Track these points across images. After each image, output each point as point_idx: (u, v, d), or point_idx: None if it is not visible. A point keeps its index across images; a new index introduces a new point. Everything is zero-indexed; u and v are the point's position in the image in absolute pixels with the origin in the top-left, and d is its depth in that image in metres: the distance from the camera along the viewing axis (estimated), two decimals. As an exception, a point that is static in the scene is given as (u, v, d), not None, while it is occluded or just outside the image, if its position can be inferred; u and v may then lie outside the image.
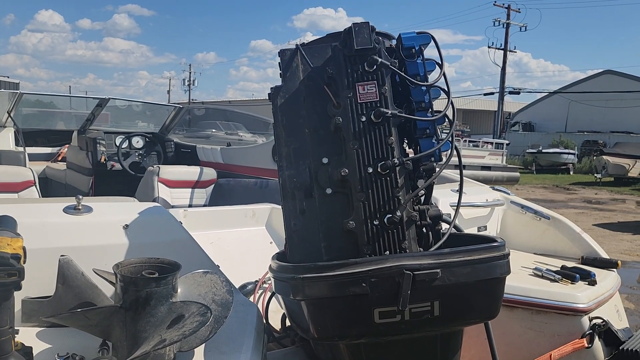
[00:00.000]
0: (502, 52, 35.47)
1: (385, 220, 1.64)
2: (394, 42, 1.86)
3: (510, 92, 36.42)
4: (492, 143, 24.65)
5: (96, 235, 1.84)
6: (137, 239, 1.85)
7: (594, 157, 25.33)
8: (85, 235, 1.82)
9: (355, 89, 1.70)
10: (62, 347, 1.52)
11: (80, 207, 1.87)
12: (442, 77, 1.78)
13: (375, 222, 1.65)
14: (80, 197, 1.89)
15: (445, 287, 1.50)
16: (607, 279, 2.72)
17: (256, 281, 2.62)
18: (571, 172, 26.62)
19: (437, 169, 1.77)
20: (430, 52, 1.85)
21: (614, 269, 2.90)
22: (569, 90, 39.56)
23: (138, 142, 6.05)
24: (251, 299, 2.52)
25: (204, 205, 4.85)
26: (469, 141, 24.39)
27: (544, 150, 28.12)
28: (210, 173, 5.09)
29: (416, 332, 1.55)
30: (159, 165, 5.17)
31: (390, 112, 1.69)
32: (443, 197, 2.86)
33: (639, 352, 2.34)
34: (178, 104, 8.05)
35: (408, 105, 1.78)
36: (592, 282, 2.57)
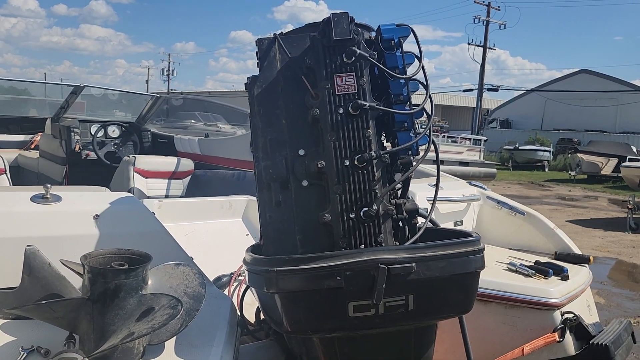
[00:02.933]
0: (481, 49, 35.80)
1: (361, 213, 1.63)
2: (373, 33, 1.84)
3: (488, 89, 36.82)
4: (470, 139, 24.86)
5: (65, 225, 1.78)
6: (108, 230, 1.81)
7: (569, 155, 25.77)
8: (54, 225, 1.77)
9: (334, 80, 1.68)
10: (27, 339, 1.47)
11: (48, 196, 1.81)
12: (421, 70, 1.76)
13: (351, 215, 1.63)
14: (49, 185, 1.83)
15: (420, 281, 1.49)
16: (579, 275, 2.76)
17: (231, 274, 2.59)
18: (546, 169, 27.05)
19: (415, 163, 1.76)
20: (409, 47, 1.84)
21: (586, 265, 2.95)
22: (546, 89, 40.13)
23: (114, 131, 5.93)
24: (226, 291, 2.49)
25: (181, 197, 4.79)
26: (448, 137, 24.58)
27: (520, 147, 28.51)
28: (187, 164, 5.03)
29: (390, 326, 1.55)
30: (135, 155, 5.08)
31: (368, 104, 1.67)
32: (420, 191, 2.87)
33: (609, 347, 2.38)
34: (157, 94, 7.93)
35: (386, 98, 1.77)
36: (565, 278, 2.61)
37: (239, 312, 2.14)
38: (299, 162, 1.68)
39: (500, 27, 36.65)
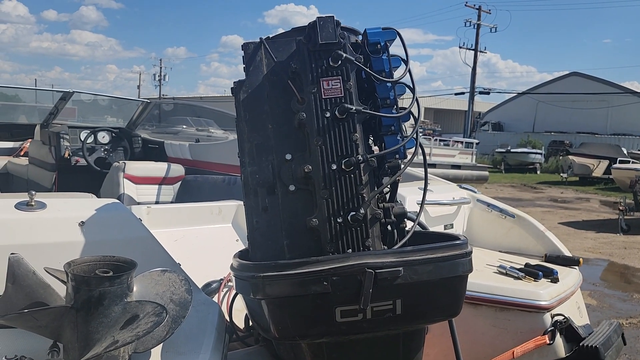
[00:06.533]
0: (472, 52, 36.00)
1: (348, 217, 1.62)
2: (359, 37, 1.84)
3: (480, 92, 37.02)
4: (462, 142, 24.99)
5: (49, 232, 1.76)
6: (93, 237, 1.79)
7: (561, 157, 25.91)
8: (38, 232, 1.75)
9: (320, 85, 1.67)
10: (10, 349, 1.45)
11: (33, 203, 1.79)
12: (408, 73, 1.76)
13: (338, 220, 1.62)
14: (33, 192, 1.81)
15: (407, 286, 1.48)
16: (569, 277, 2.76)
17: (221, 279, 2.58)
18: (538, 172, 27.19)
19: (402, 166, 1.75)
20: (396, 50, 1.84)
21: (576, 267, 2.95)
22: (537, 91, 40.41)
23: (104, 137, 5.91)
24: (215, 297, 2.48)
25: (171, 202, 4.77)
26: (440, 140, 24.67)
27: (512, 150, 28.66)
28: (177, 169, 5.01)
29: (378, 330, 1.54)
30: (125, 161, 5.06)
31: (354, 108, 1.66)
32: (410, 195, 2.86)
33: (599, 349, 2.38)
34: (148, 99, 7.92)
35: (373, 102, 1.76)
36: (555, 280, 2.61)
37: (228, 318, 2.12)
38: (286, 167, 1.68)
39: (491, 30, 36.97)
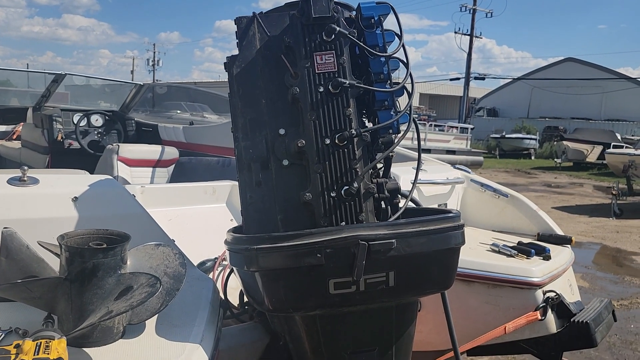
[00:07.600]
0: (468, 37, 35.84)
1: (342, 192, 1.63)
2: (353, 12, 1.83)
3: (475, 78, 36.93)
4: (457, 127, 24.98)
5: (43, 207, 1.76)
6: (87, 212, 1.78)
7: (555, 143, 25.97)
8: (31, 207, 1.74)
9: (313, 59, 1.67)
10: (5, 320, 1.45)
11: (25, 179, 1.78)
12: (401, 48, 1.76)
13: (332, 194, 1.63)
14: (26, 168, 1.80)
15: (400, 258, 1.49)
16: (561, 255, 2.78)
17: (215, 258, 2.58)
18: (532, 157, 27.25)
19: (395, 141, 1.75)
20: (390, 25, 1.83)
21: (568, 245, 2.98)
22: (532, 77, 40.35)
23: (97, 120, 5.87)
24: (210, 276, 2.49)
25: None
26: (435, 125, 24.65)
27: (507, 136, 28.70)
28: (171, 152, 4.99)
29: (371, 302, 1.55)
30: (119, 144, 5.03)
31: (348, 82, 1.66)
32: (404, 175, 2.86)
33: (589, 324, 2.41)
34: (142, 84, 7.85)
35: (367, 77, 1.76)
36: (547, 257, 2.63)
37: (222, 296, 2.13)
38: (279, 142, 1.67)
39: (486, 15, 36.77)
